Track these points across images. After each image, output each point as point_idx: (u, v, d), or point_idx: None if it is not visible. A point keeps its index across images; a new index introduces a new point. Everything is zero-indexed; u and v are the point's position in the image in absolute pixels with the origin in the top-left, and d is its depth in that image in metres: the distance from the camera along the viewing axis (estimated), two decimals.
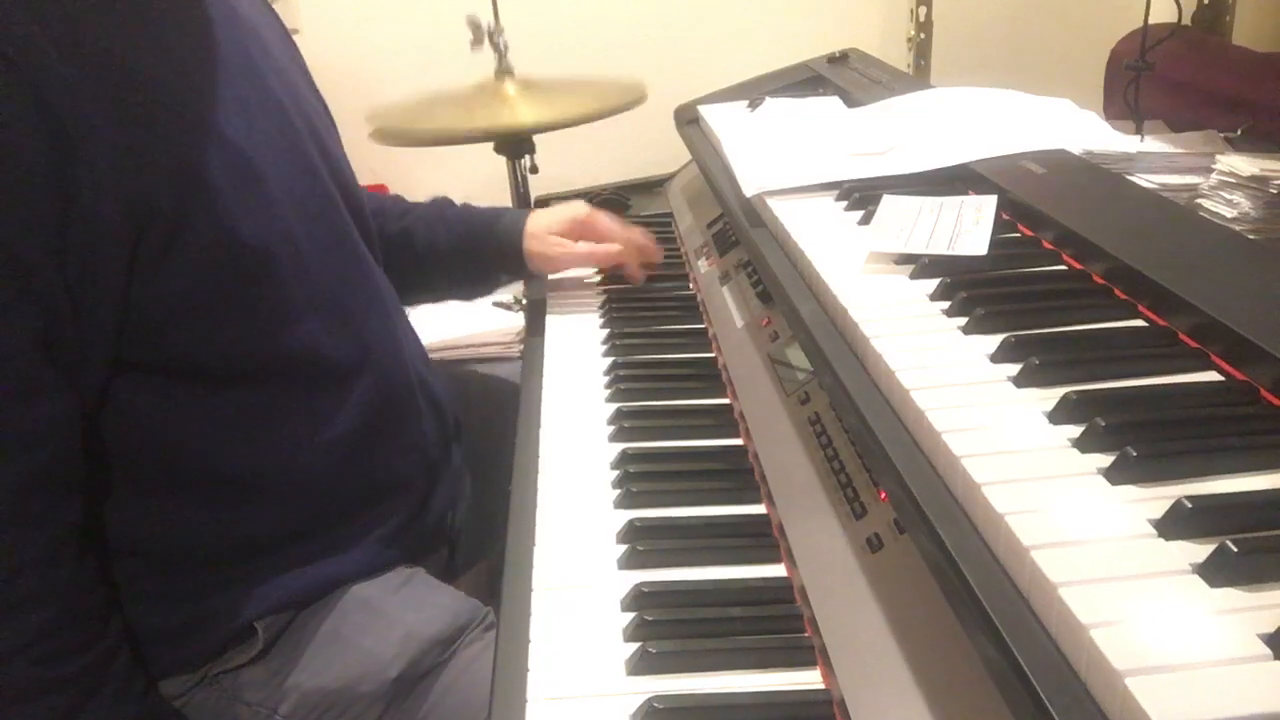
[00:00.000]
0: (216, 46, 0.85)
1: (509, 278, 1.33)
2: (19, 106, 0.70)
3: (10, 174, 0.70)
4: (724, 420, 0.99)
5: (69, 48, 0.73)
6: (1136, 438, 0.53)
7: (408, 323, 1.09)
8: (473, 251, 1.23)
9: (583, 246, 1.25)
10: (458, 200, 1.28)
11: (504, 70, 1.75)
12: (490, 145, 1.79)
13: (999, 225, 0.86)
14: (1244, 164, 0.95)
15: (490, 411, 1.20)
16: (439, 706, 0.88)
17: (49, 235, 0.72)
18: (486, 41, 1.74)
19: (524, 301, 1.52)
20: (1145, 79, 1.22)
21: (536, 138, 1.77)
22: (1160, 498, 0.50)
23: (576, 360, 1.14)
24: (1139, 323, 0.69)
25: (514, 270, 1.27)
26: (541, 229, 1.24)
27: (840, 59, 1.56)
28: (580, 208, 1.27)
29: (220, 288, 0.82)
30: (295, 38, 1.09)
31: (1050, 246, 0.83)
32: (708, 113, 1.41)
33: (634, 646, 0.70)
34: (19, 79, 0.70)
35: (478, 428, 1.19)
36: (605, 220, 1.27)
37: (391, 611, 0.91)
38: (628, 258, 1.27)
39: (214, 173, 0.80)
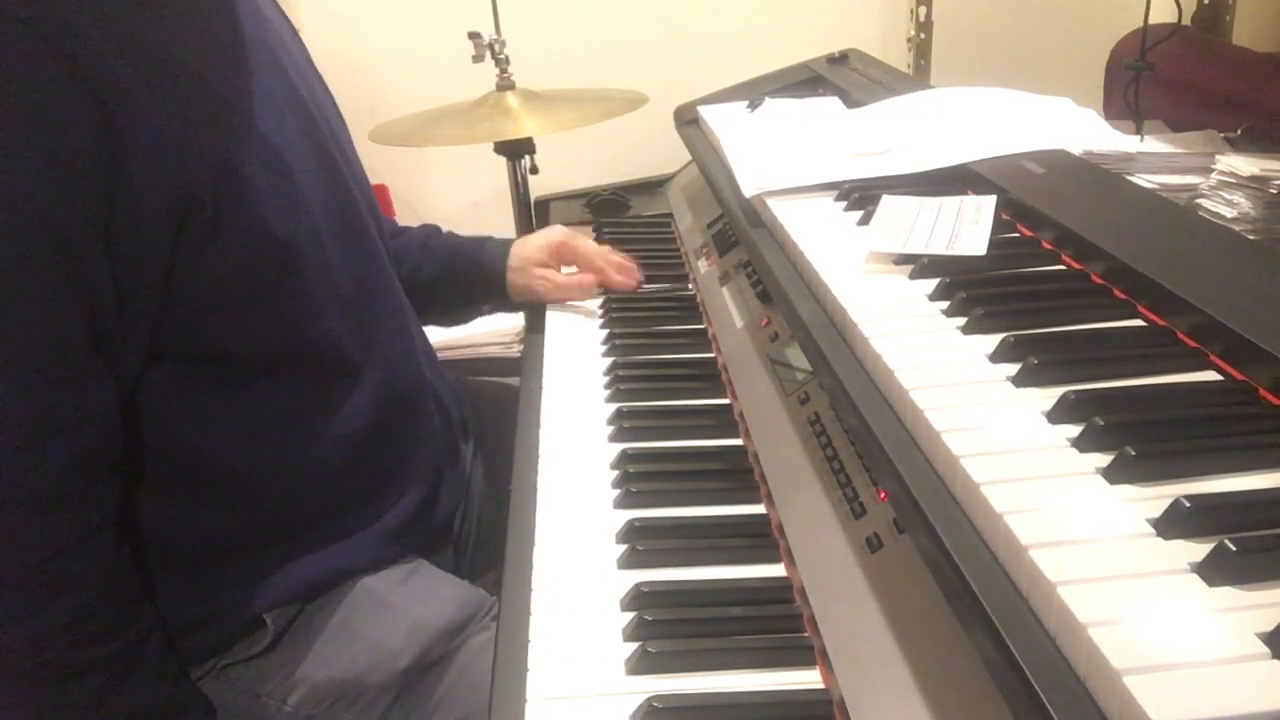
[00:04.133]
0: (247, 44, 0.87)
1: (491, 308, 1.34)
2: (72, 99, 0.72)
3: (63, 163, 0.72)
4: (724, 420, 0.99)
5: (117, 43, 0.75)
6: (1135, 437, 0.53)
7: (419, 325, 1.10)
8: (455, 282, 1.24)
9: (563, 277, 1.27)
10: (460, 205, 1.29)
11: (506, 83, 1.75)
12: (490, 146, 1.80)
13: (998, 225, 0.86)
14: (1244, 164, 0.95)
15: (503, 425, 1.20)
16: (448, 696, 0.89)
17: (98, 223, 0.74)
18: (488, 55, 1.74)
19: None
20: (1145, 79, 1.22)
21: (537, 139, 1.77)
22: (1159, 497, 0.50)
23: (576, 360, 1.14)
24: (1138, 322, 0.69)
25: (496, 301, 1.28)
26: (522, 260, 1.25)
27: (840, 59, 1.56)
28: (557, 232, 1.28)
29: (249, 281, 0.84)
30: None
31: (1049, 246, 0.83)
32: (707, 113, 1.41)
33: (633, 646, 0.71)
34: (72, 73, 0.72)
35: (491, 441, 1.20)
36: (582, 242, 1.28)
37: (399, 603, 0.92)
38: (607, 279, 1.28)
39: (250, 167, 0.82)
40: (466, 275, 1.24)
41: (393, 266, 1.17)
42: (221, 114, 0.82)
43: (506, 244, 1.27)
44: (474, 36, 1.73)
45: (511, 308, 1.31)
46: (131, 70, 0.75)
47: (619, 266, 1.28)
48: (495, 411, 1.24)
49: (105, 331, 0.77)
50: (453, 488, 1.07)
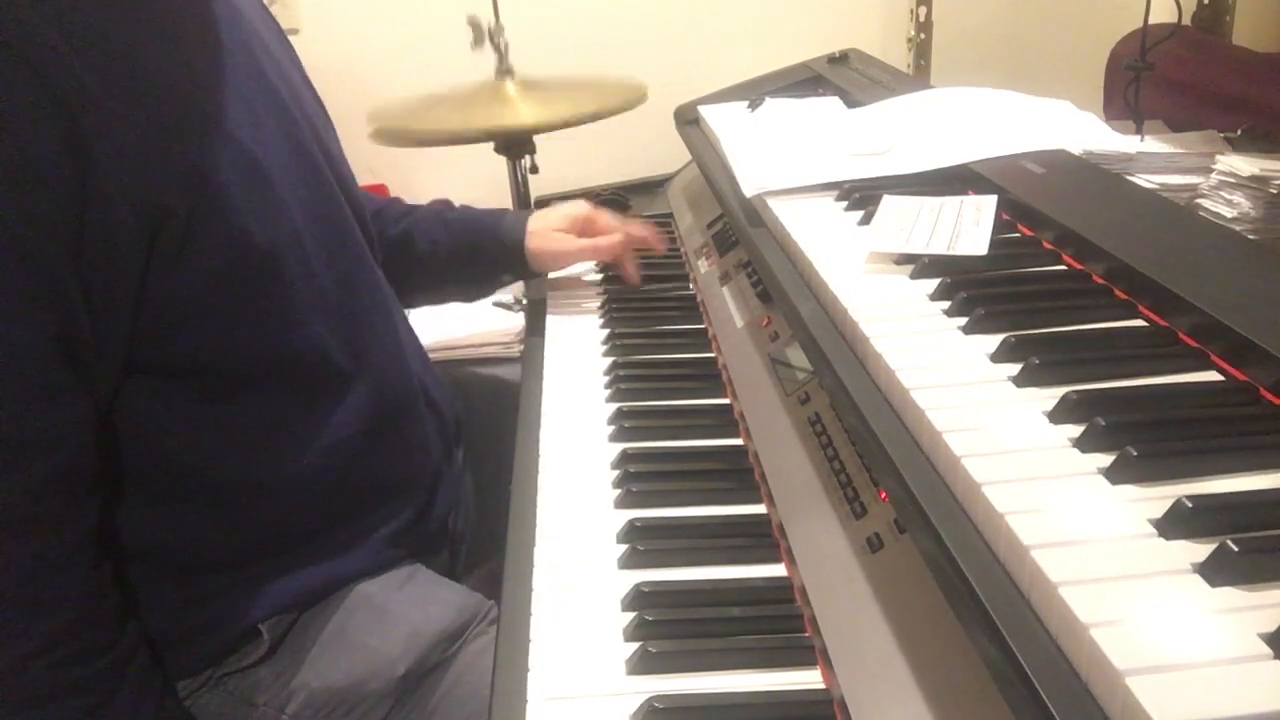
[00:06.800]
0: (223, 46, 0.85)
1: (511, 278, 1.34)
2: (35, 108, 0.69)
3: (28, 176, 0.70)
4: (724, 420, 0.99)
5: (83, 48, 0.72)
6: (1137, 437, 0.53)
7: (408, 325, 1.09)
8: (475, 252, 1.23)
9: (584, 241, 1.26)
10: (459, 202, 1.28)
11: (504, 70, 1.75)
12: (490, 145, 1.79)
13: (999, 225, 0.86)
14: (1244, 164, 0.95)
15: (493, 415, 1.20)
16: (446, 701, 0.88)
17: (67, 237, 0.72)
18: (487, 42, 1.74)
19: (524, 301, 1.52)
20: (1145, 79, 1.22)
21: (537, 138, 1.76)
22: (1160, 497, 0.50)
23: (576, 360, 1.14)
24: (1139, 322, 0.69)
25: (516, 270, 1.28)
26: (543, 226, 1.25)
27: (840, 59, 1.56)
28: (580, 206, 1.28)
29: (230, 289, 0.82)
30: (295, 38, 1.09)
31: (1050, 246, 0.83)
32: (708, 113, 1.41)
33: (634, 646, 0.71)
34: (35, 80, 0.69)
35: (480, 431, 1.19)
36: (605, 216, 1.28)
37: (396, 609, 0.91)
38: (626, 250, 1.28)
39: (224, 173, 0.80)
40: (486, 247, 1.23)
41: (407, 245, 1.17)
42: (194, 120, 0.79)
43: (525, 213, 1.27)
44: (473, 22, 1.73)
45: (531, 276, 1.31)
46: (98, 77, 0.72)
47: (644, 241, 1.30)
48: (488, 405, 1.24)
49: (78, 347, 0.75)
50: (448, 489, 1.06)
